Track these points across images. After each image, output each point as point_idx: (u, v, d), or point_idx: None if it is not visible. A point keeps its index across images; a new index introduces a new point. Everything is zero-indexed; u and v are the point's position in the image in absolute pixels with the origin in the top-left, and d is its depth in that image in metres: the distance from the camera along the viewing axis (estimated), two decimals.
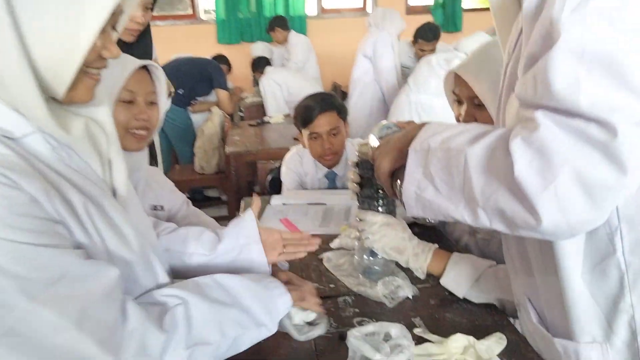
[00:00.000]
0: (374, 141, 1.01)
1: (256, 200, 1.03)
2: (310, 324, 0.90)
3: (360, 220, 1.13)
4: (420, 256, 1.08)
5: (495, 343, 0.88)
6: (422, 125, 0.77)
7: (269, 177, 2.36)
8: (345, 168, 1.92)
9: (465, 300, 1.05)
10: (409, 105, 2.59)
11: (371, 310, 1.04)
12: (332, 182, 1.94)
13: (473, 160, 0.62)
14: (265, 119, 3.62)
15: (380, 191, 1.11)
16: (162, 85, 1.23)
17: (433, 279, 1.12)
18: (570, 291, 0.70)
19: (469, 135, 0.66)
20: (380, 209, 1.12)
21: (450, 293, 1.07)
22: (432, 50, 3.21)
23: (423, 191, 0.70)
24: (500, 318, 0.99)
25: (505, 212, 0.60)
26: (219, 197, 3.95)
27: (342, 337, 0.94)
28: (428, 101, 2.51)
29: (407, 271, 1.16)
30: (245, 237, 0.96)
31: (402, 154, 0.77)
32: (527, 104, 0.59)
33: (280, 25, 4.34)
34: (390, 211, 1.13)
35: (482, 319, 0.99)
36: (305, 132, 1.83)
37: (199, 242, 0.96)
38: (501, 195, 0.59)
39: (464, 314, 1.00)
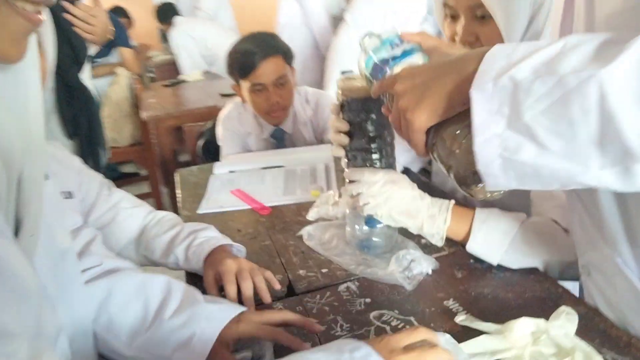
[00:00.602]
0: (369, 68, 0.73)
1: None
2: None
3: (353, 181, 0.86)
4: (437, 218, 0.84)
5: (567, 321, 0.67)
6: (477, 51, 0.50)
7: (200, 142, 2.02)
8: (294, 124, 1.63)
9: (499, 267, 0.83)
10: (351, 45, 2.31)
11: (387, 297, 0.79)
12: (281, 142, 1.65)
13: (621, 88, 0.38)
14: (181, 77, 3.19)
15: (377, 139, 0.84)
16: (47, 30, 0.86)
17: (449, 244, 0.89)
18: None
19: (586, 51, 0.41)
20: (377, 163, 0.86)
21: (477, 259, 0.85)
22: None
23: (515, 152, 0.45)
24: (551, 285, 0.78)
25: None
26: (136, 173, 3.50)
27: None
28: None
29: (414, 238, 0.92)
30: None
31: (454, 99, 0.51)
32: None
33: None
34: (390, 164, 0.87)
35: (531, 290, 0.78)
36: (245, 84, 1.50)
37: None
38: None
39: (506, 286, 0.79)
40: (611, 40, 0.41)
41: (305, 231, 1.00)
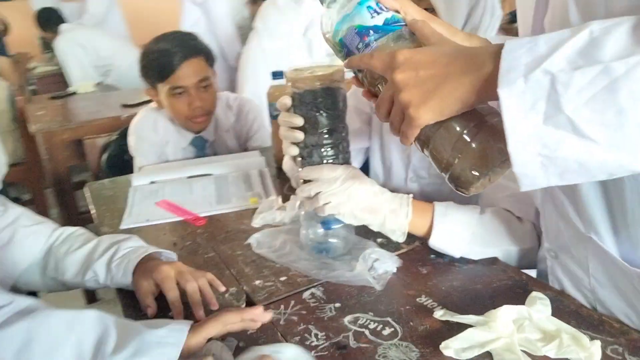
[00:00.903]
0: (341, 34, 0.64)
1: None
2: None
3: (308, 181, 0.80)
4: (398, 213, 0.81)
5: (543, 306, 0.67)
6: (485, 49, 0.49)
7: (104, 156, 1.82)
8: (216, 131, 1.53)
9: (461, 260, 0.82)
10: (263, 53, 2.26)
11: (357, 300, 0.74)
12: (201, 151, 1.54)
13: None
14: (71, 89, 2.89)
15: (333, 133, 0.79)
16: None
17: (406, 241, 0.86)
18: None
19: (621, 36, 0.42)
20: (335, 159, 0.80)
21: (437, 254, 0.84)
22: None
23: (556, 149, 0.44)
24: (514, 273, 0.79)
25: None
26: (17, 197, 3.10)
27: (343, 347, 0.65)
28: (286, 48, 2.21)
29: (370, 238, 0.89)
30: None
31: (468, 100, 0.50)
32: None
33: None
34: (347, 160, 0.83)
35: (497, 279, 0.77)
36: (163, 87, 1.37)
37: None
38: None
39: (473, 278, 0.78)
40: None
41: (253, 239, 0.92)
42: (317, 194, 0.79)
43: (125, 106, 2.25)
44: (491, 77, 0.46)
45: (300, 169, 0.82)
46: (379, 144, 1.20)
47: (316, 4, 2.16)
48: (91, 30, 3.22)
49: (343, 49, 0.65)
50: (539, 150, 0.44)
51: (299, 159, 0.82)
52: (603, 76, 0.41)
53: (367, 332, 0.67)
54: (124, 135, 1.81)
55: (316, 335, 0.67)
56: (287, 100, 0.79)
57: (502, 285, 0.76)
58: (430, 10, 0.90)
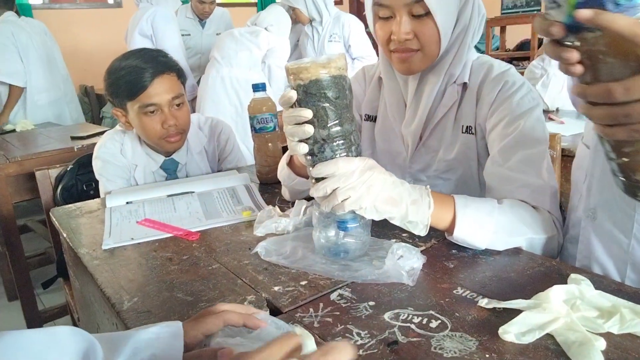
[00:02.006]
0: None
1: None
2: None
3: (321, 178, 0.74)
4: (420, 203, 0.77)
5: (586, 285, 0.65)
6: None
7: (59, 188, 1.67)
8: (188, 154, 1.44)
9: (484, 252, 0.79)
10: (222, 82, 2.21)
11: (391, 297, 0.69)
12: (172, 174, 1.44)
13: None
14: (8, 127, 2.67)
15: (344, 124, 0.74)
16: None
17: (423, 238, 0.83)
18: None
19: None
20: (349, 151, 0.76)
21: (459, 249, 0.81)
22: (212, 3, 3.00)
23: None
24: (543, 259, 0.77)
25: None
26: None
27: (394, 342, 0.59)
28: (244, 76, 2.17)
29: (384, 237, 0.84)
30: None
31: None
32: None
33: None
34: (359, 151, 0.78)
35: (529, 267, 0.75)
36: (133, 106, 1.28)
37: None
38: None
39: (504, 268, 0.75)
40: None
41: (260, 248, 0.85)
42: (334, 190, 0.73)
43: (75, 138, 2.10)
44: None
45: (310, 168, 0.76)
46: (371, 152, 1.17)
47: (274, 36, 2.15)
48: (33, 31, 2.93)
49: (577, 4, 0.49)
50: None
51: (309, 157, 0.76)
52: None
53: (413, 326, 0.62)
54: (80, 165, 1.69)
55: (358, 334, 0.61)
56: (291, 94, 0.73)
57: (536, 272, 0.73)
58: (423, 14, 0.89)
